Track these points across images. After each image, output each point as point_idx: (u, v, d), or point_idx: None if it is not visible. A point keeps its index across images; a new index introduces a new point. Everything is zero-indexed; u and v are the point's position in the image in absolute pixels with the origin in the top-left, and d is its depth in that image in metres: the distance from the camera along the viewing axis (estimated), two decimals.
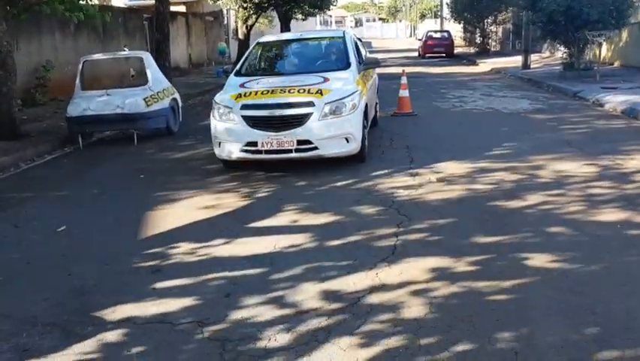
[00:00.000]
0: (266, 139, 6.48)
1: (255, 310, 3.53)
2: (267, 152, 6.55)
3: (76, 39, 15.65)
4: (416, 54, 33.06)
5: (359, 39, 9.58)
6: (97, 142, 9.99)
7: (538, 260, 4.04)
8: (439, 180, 6.14)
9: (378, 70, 9.48)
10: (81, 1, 9.81)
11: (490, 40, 30.10)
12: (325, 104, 6.55)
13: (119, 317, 3.54)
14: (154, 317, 3.53)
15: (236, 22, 28.82)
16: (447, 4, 37.28)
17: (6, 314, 3.69)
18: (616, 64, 18.03)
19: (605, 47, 17.89)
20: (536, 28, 17.20)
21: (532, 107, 11.34)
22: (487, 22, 29.92)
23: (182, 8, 24.72)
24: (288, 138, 6.46)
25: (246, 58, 8.25)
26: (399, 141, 8.37)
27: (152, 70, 10.04)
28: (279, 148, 6.50)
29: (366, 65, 8.20)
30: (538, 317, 3.30)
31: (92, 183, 7.05)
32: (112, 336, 3.34)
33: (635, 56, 17.00)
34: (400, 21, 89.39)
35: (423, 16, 76.87)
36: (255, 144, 6.54)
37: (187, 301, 3.70)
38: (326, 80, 7.03)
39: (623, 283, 3.67)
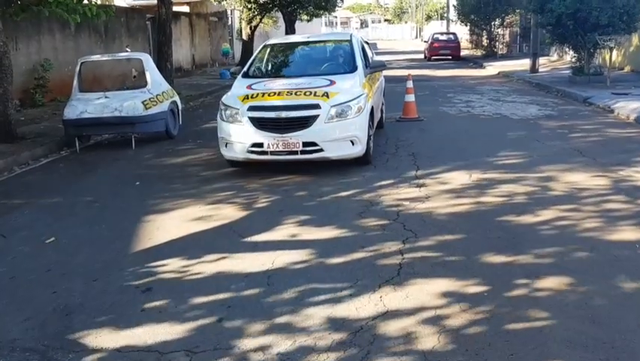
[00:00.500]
0: (272, 140, 6.48)
1: (247, 339, 3.27)
2: (273, 153, 6.56)
3: (77, 39, 15.40)
4: (422, 56, 32.78)
5: (366, 42, 9.39)
6: (94, 145, 9.74)
7: (554, 283, 3.78)
8: (447, 192, 5.89)
9: (383, 73, 9.28)
10: (82, 1, 9.58)
11: (497, 43, 29.77)
12: (331, 106, 6.55)
13: (102, 344, 3.29)
14: (140, 344, 3.27)
15: (240, 22, 28.66)
16: (453, 5, 37.01)
17: None
18: (626, 69, 17.70)
19: (615, 51, 17.54)
20: (545, 31, 16.89)
21: (541, 113, 11.05)
22: (494, 24, 29.62)
23: (185, 8, 24.49)
24: (293, 140, 6.45)
25: (254, 60, 8.28)
26: (404, 148, 8.11)
27: (152, 72, 9.79)
28: (284, 149, 6.51)
29: (373, 68, 8.24)
30: (556, 350, 3.03)
31: (86, 190, 6.81)
32: None
33: None
34: (406, 22, 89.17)
35: (429, 18, 76.71)
36: (261, 145, 6.54)
37: (177, 327, 3.44)
38: (333, 83, 7.04)
39: None
